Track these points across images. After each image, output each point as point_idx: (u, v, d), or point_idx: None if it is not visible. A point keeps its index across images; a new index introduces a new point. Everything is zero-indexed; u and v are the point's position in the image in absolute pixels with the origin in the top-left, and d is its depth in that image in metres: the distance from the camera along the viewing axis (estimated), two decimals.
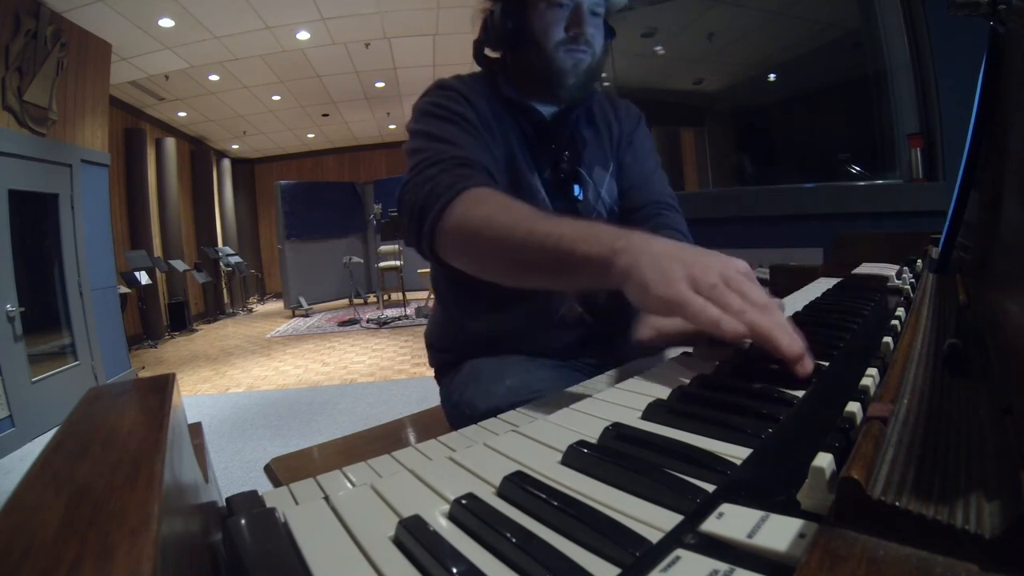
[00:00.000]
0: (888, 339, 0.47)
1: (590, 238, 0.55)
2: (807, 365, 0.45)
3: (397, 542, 0.27)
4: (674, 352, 0.63)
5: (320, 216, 8.83)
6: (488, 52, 0.95)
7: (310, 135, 9.66)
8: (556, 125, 0.92)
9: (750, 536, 0.23)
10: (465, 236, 0.68)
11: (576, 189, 0.90)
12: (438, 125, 0.82)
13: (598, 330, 0.91)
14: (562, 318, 0.89)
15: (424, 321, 6.32)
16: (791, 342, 0.45)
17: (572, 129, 0.93)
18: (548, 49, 0.85)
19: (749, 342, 0.52)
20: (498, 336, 0.90)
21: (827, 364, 0.49)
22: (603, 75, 2.75)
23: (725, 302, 0.47)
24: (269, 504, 0.32)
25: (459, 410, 0.86)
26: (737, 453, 0.34)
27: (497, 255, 0.66)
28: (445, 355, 0.98)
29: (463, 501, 0.30)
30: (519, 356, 0.88)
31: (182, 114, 7.48)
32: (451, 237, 0.69)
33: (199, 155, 8.81)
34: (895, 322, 0.54)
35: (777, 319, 0.47)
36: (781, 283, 1.28)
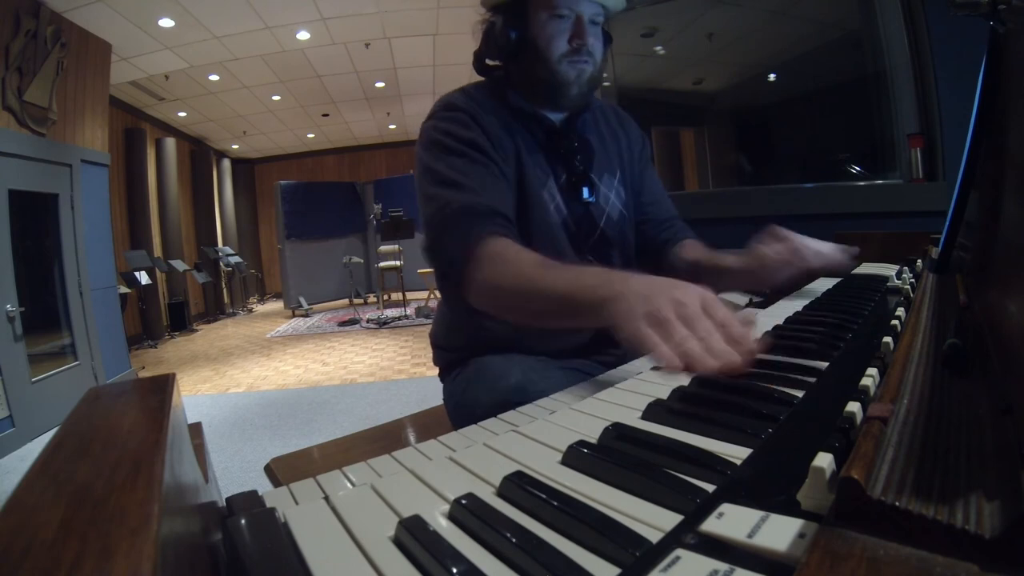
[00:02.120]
0: (888, 339, 0.47)
1: (583, 290, 0.64)
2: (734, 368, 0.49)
3: (397, 542, 0.27)
4: None
5: (320, 216, 8.83)
6: (489, 62, 0.97)
7: (310, 135, 9.66)
8: (566, 130, 0.94)
9: (750, 536, 0.23)
10: (486, 297, 0.77)
11: (587, 192, 0.94)
12: (446, 160, 0.84)
13: (606, 332, 0.92)
14: None
15: (424, 321, 6.33)
16: (713, 364, 0.50)
17: (580, 134, 0.96)
18: (552, 61, 0.87)
19: None
20: (508, 336, 0.90)
21: (827, 364, 0.49)
22: (603, 76, 2.74)
23: (669, 333, 0.53)
24: (269, 504, 0.32)
25: (463, 407, 0.87)
26: (737, 453, 0.34)
27: (515, 311, 0.75)
28: (452, 354, 0.99)
29: (463, 501, 0.30)
30: (526, 355, 0.88)
31: (182, 114, 7.48)
32: (476, 299, 0.79)
33: (199, 155, 8.81)
34: (895, 322, 0.54)
35: (711, 345, 0.52)
36: (782, 283, 1.28)
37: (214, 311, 8.54)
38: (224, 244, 9.28)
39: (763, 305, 0.97)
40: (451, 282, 0.80)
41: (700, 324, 0.53)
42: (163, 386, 0.38)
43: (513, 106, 0.92)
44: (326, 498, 0.33)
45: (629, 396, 0.48)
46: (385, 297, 7.91)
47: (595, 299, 0.61)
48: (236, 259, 8.70)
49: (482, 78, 0.99)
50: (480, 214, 0.80)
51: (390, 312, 6.92)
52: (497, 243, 0.77)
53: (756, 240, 0.89)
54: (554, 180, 0.92)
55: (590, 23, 0.88)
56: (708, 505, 0.26)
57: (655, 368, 0.61)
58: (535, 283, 0.69)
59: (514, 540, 0.25)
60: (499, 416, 0.49)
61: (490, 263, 0.75)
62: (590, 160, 0.96)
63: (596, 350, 0.93)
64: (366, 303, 8.49)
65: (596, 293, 0.62)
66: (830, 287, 0.96)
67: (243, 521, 0.29)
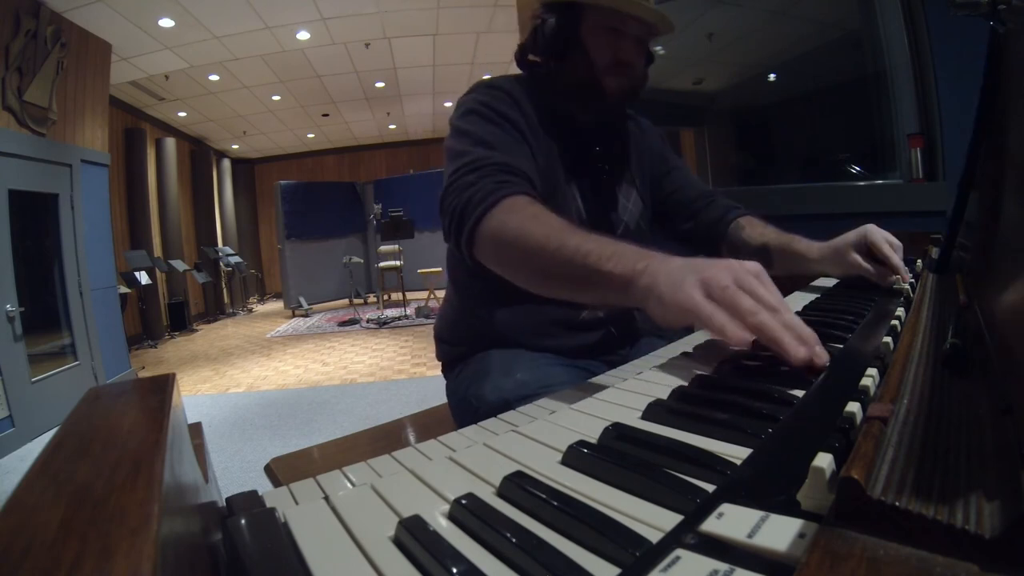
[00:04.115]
0: (888, 339, 0.47)
1: (615, 256, 0.59)
2: (820, 359, 0.46)
3: (397, 542, 0.27)
4: (674, 352, 0.63)
5: (320, 216, 8.83)
6: (531, 57, 0.97)
7: (310, 135, 9.66)
8: (595, 137, 0.95)
9: (750, 536, 0.23)
10: (499, 244, 0.71)
11: (608, 200, 0.95)
12: (483, 126, 0.83)
13: (615, 334, 0.92)
14: (583, 320, 0.90)
15: (424, 321, 6.33)
16: (797, 346, 0.46)
17: (608, 143, 0.97)
18: (597, 71, 0.88)
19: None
20: (516, 331, 0.91)
21: (827, 364, 0.49)
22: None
23: (735, 303, 0.49)
24: (269, 504, 0.32)
25: (467, 402, 0.87)
26: (737, 453, 0.34)
27: (528, 265, 0.70)
28: (456, 348, 0.99)
29: (463, 501, 0.30)
30: (531, 352, 0.89)
31: (182, 114, 7.48)
32: (487, 244, 0.73)
33: (199, 155, 8.81)
34: (895, 322, 0.54)
35: (787, 320, 0.48)
36: (782, 282, 1.28)
37: (214, 311, 8.54)
38: (224, 244, 9.28)
39: None
40: (462, 229, 0.75)
41: (765, 295, 0.49)
42: (163, 386, 0.38)
43: (548, 104, 0.92)
44: (326, 498, 0.33)
45: (629, 396, 0.48)
46: (385, 297, 7.91)
47: (628, 271, 0.56)
48: (236, 259, 8.70)
49: (518, 73, 0.99)
50: (515, 173, 0.77)
51: (390, 312, 6.92)
52: (527, 199, 0.73)
53: (851, 240, 0.87)
54: (576, 185, 0.92)
55: (637, 41, 0.89)
56: (708, 505, 0.26)
57: (683, 355, 0.58)
58: (562, 239, 0.64)
59: (514, 540, 0.25)
60: (499, 416, 0.49)
61: (512, 211, 0.71)
62: (614, 170, 0.97)
63: (603, 350, 0.93)
64: (366, 303, 8.49)
65: (631, 264, 0.57)
66: (830, 287, 0.96)
67: (243, 521, 0.29)
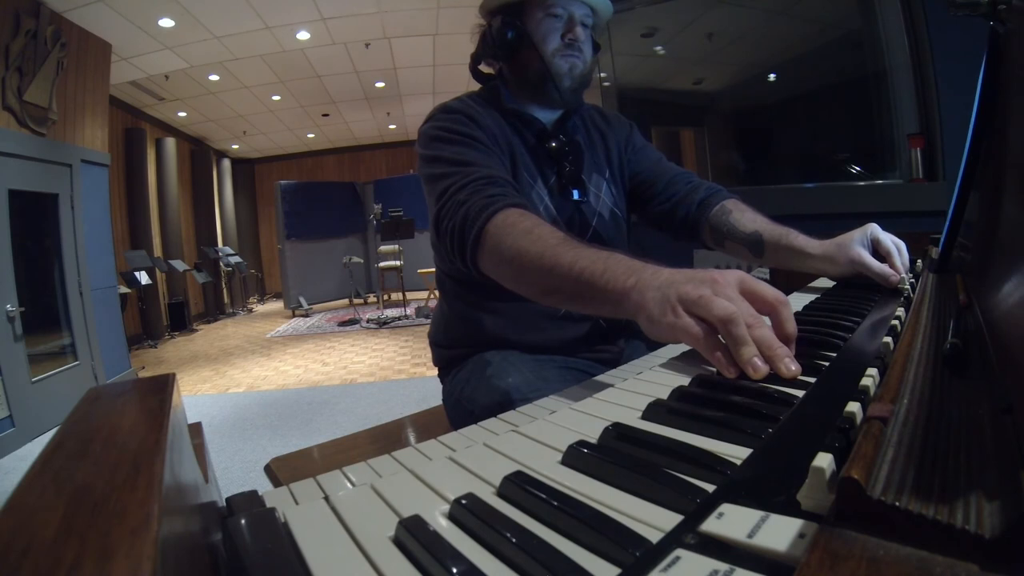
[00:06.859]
0: (888, 339, 0.47)
1: (606, 273, 0.60)
2: (789, 372, 0.46)
3: (397, 542, 0.27)
4: (674, 352, 0.63)
5: (320, 216, 8.83)
6: (484, 68, 1.02)
7: (310, 135, 9.65)
8: (556, 132, 0.98)
9: (750, 536, 0.23)
10: (499, 263, 0.74)
11: (577, 193, 0.96)
12: (452, 149, 0.86)
13: (603, 325, 0.93)
14: (568, 312, 0.91)
15: (424, 321, 6.33)
16: (729, 368, 0.47)
17: (570, 136, 0.99)
18: (547, 55, 0.93)
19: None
20: (504, 329, 0.91)
21: (827, 364, 0.49)
22: (603, 75, 2.78)
23: (707, 310, 0.49)
24: (269, 504, 0.32)
25: (461, 406, 0.87)
26: (737, 453, 0.34)
27: (527, 283, 0.72)
28: (450, 351, 1.00)
29: (463, 501, 0.30)
30: (524, 353, 0.89)
31: (182, 114, 7.48)
32: (488, 262, 0.75)
33: (199, 155, 8.81)
34: (895, 322, 0.54)
35: (758, 337, 0.48)
36: (781, 283, 1.28)
37: (214, 311, 8.54)
38: (224, 244, 9.28)
39: None
40: (464, 248, 0.76)
41: (740, 305, 0.49)
42: (163, 386, 0.38)
43: (506, 108, 0.96)
44: (326, 498, 0.33)
45: (629, 396, 0.48)
46: (385, 297, 7.91)
47: (618, 288, 0.58)
48: (236, 259, 8.70)
49: (478, 88, 1.03)
50: (500, 184, 0.80)
51: (390, 312, 6.92)
52: (518, 212, 0.74)
53: (854, 236, 0.86)
54: (543, 182, 0.94)
55: (580, 24, 0.94)
56: (708, 505, 0.26)
57: (683, 355, 0.59)
58: (556, 256, 0.66)
59: (514, 540, 0.25)
60: (499, 416, 0.49)
61: (511, 229, 0.72)
62: (579, 161, 0.98)
63: (594, 343, 0.94)
64: (366, 303, 8.49)
65: (622, 281, 0.58)
66: (830, 287, 0.96)
67: (243, 521, 0.29)
